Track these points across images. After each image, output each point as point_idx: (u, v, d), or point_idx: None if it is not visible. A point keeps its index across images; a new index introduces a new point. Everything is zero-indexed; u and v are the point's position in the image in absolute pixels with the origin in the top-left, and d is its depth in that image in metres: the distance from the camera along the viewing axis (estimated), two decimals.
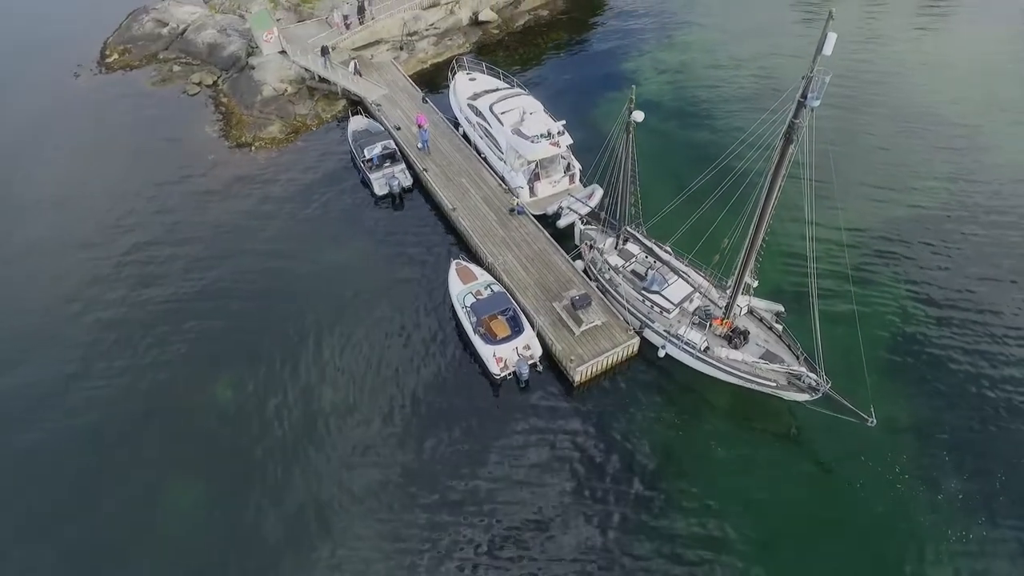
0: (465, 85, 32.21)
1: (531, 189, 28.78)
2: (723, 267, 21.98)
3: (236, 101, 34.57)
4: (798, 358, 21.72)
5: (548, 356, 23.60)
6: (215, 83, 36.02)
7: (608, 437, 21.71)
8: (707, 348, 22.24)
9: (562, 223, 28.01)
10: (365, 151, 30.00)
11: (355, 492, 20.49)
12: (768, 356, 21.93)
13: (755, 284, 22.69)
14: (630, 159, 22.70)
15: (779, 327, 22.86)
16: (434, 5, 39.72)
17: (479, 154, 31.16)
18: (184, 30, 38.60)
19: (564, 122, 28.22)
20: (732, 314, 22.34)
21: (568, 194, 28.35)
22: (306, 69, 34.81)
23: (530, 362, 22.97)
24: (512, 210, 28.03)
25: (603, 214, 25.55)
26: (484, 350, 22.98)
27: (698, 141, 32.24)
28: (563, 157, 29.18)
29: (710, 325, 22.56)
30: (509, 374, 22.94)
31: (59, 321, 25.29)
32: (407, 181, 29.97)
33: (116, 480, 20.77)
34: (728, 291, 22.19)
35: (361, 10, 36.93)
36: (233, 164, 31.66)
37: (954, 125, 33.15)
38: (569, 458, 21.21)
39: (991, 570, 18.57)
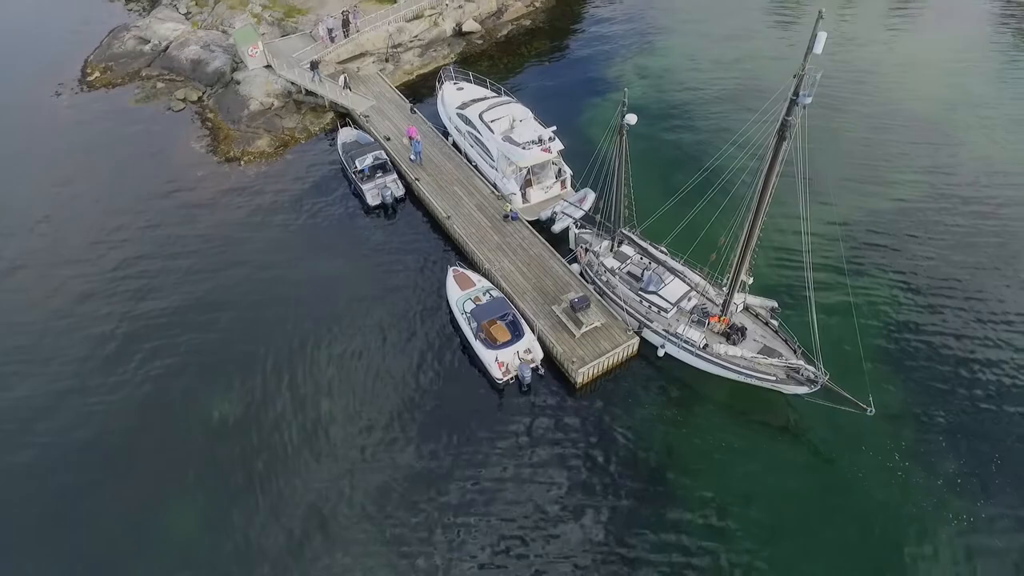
0: (453, 95, 32.45)
1: (524, 195, 29.02)
2: (719, 265, 22.37)
3: (222, 116, 34.43)
4: (795, 352, 22.13)
5: (549, 359, 23.76)
6: (200, 99, 35.85)
7: (612, 436, 21.91)
8: (706, 345, 22.57)
9: (556, 228, 28.28)
10: (356, 162, 30.05)
11: (360, 500, 20.45)
12: (766, 351, 22.31)
13: (750, 281, 23.09)
14: (624, 162, 23.04)
15: (774, 322, 23.28)
16: (417, 17, 40.03)
17: (470, 162, 31.36)
18: (167, 47, 38.39)
19: (555, 128, 28.56)
20: (729, 311, 22.72)
21: (562, 199, 28.62)
22: (292, 83, 34.81)
23: (532, 365, 23.10)
24: (506, 216, 28.23)
25: (598, 217, 25.83)
26: (486, 355, 23.07)
27: (684, 143, 32.85)
28: (554, 163, 29.50)
29: (708, 323, 22.91)
30: (511, 378, 23.05)
31: (51, 337, 25.02)
32: (399, 191, 30.06)
33: (113, 495, 20.56)
34: (724, 288, 22.57)
35: (346, 23, 37.08)
36: (223, 178, 31.53)
37: (930, 122, 34.12)
38: (575, 458, 21.36)
39: (990, 548, 19.05)
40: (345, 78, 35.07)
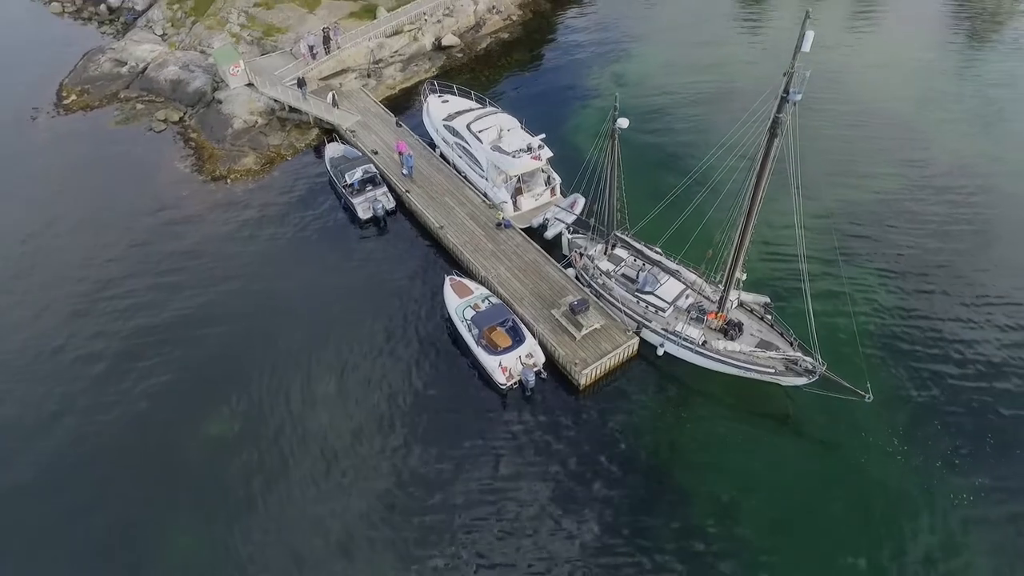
0: (438, 107, 32.70)
1: (515, 203, 29.31)
2: (715, 263, 22.86)
3: (206, 135, 34.18)
4: (791, 344, 22.66)
5: (551, 362, 23.94)
6: (182, 119, 35.55)
7: (617, 435, 22.14)
8: (705, 342, 22.98)
9: (549, 234, 28.60)
10: (346, 176, 30.06)
11: (364, 509, 20.36)
12: (763, 344, 22.80)
13: (744, 277, 23.61)
14: (616, 165, 23.46)
15: (769, 317, 23.81)
16: (397, 33, 40.33)
17: (459, 173, 31.58)
18: (144, 68, 38.02)
19: (544, 136, 28.97)
20: (725, 307, 23.19)
21: (554, 205, 28.97)
22: (276, 100, 34.74)
23: (535, 370, 23.25)
24: (499, 224, 28.46)
25: (592, 221, 26.20)
26: (489, 361, 23.17)
27: (668, 145, 33.47)
28: (543, 170, 29.86)
29: (706, 320, 23.35)
30: (515, 383, 23.17)
31: (40, 358, 24.67)
32: (390, 204, 30.12)
33: (109, 515, 20.28)
34: (720, 285, 23.06)
35: (327, 40, 37.19)
36: (210, 196, 31.31)
37: (900, 119, 35.36)
38: (581, 459, 21.52)
39: (987, 519, 19.71)
40: (334, 95, 35.14)
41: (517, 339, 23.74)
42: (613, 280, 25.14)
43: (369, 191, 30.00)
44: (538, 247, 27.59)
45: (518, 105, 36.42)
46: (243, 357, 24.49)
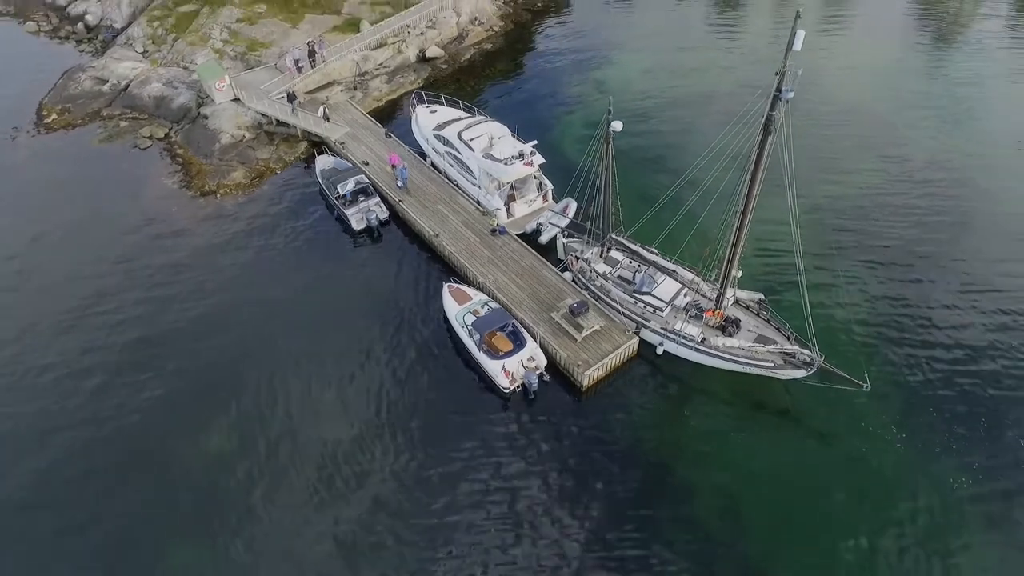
0: (427, 117, 32.87)
1: (508, 210, 29.53)
2: (711, 261, 23.27)
3: (193, 151, 33.93)
4: (788, 338, 23.11)
5: (552, 365, 24.10)
6: (167, 135, 35.24)
7: (621, 434, 22.38)
8: (704, 339, 23.34)
9: (544, 239, 28.85)
10: (338, 187, 30.04)
11: (370, 519, 20.29)
12: (761, 339, 23.22)
13: (739, 275, 24.06)
14: (610, 168, 23.82)
15: (765, 313, 24.28)
16: (381, 45, 40.53)
17: (451, 181, 31.74)
18: (127, 85, 37.66)
19: (535, 142, 29.30)
20: (723, 304, 23.60)
21: (548, 210, 29.25)
22: (263, 114, 34.64)
23: (537, 372, 23.38)
24: (494, 231, 28.65)
25: (588, 224, 26.49)
26: (492, 366, 23.25)
27: (657, 147, 34.03)
28: (535, 177, 30.16)
29: (704, 317, 23.72)
30: (518, 387, 23.28)
31: (32, 373, 24.33)
32: (384, 214, 30.14)
33: (105, 531, 20.01)
34: (717, 283, 23.47)
35: (312, 54, 37.24)
36: (200, 210, 31.11)
37: (877, 117, 36.47)
38: (585, 459, 21.71)
39: (986, 497, 20.28)
40: (324, 109, 35.14)
41: (518, 343, 23.88)
42: (610, 282, 25.44)
43: (362, 202, 30.01)
44: (534, 252, 27.82)
45: (504, 113, 36.69)
46: (240, 367, 24.34)
